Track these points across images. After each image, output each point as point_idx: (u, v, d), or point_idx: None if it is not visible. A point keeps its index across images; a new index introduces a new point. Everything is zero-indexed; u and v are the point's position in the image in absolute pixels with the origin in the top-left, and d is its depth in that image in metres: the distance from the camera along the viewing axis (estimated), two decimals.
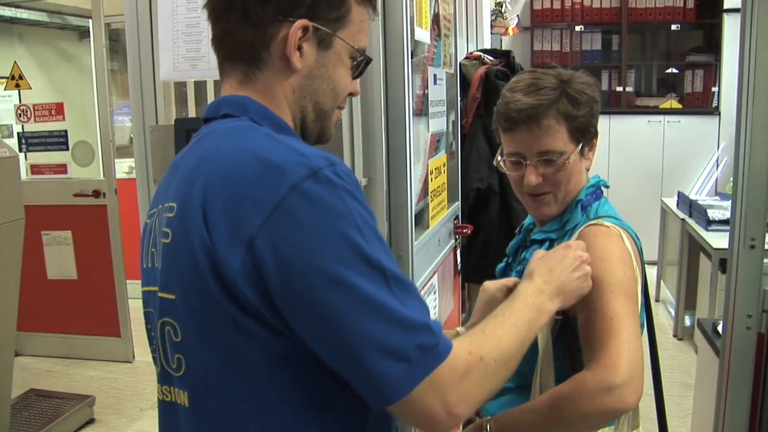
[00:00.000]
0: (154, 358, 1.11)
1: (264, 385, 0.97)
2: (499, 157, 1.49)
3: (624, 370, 1.15)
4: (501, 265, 1.63)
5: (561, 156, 1.39)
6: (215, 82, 3.33)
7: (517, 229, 1.65)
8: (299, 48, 1.04)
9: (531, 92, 1.38)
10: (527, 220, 1.61)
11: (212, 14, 1.08)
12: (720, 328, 2.45)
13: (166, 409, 1.10)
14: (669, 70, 6.88)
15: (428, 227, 2.54)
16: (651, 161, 6.70)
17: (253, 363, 0.96)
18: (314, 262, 0.89)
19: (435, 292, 2.61)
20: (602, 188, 1.52)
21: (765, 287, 2.16)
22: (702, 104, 6.66)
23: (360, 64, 1.13)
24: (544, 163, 1.40)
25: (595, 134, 1.46)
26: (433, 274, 2.58)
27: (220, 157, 0.98)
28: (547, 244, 1.46)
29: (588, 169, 1.50)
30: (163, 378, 1.09)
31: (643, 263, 1.41)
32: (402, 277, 0.95)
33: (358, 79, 1.16)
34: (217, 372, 0.98)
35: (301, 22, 1.03)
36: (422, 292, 2.39)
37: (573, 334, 1.34)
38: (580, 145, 1.42)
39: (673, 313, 5.13)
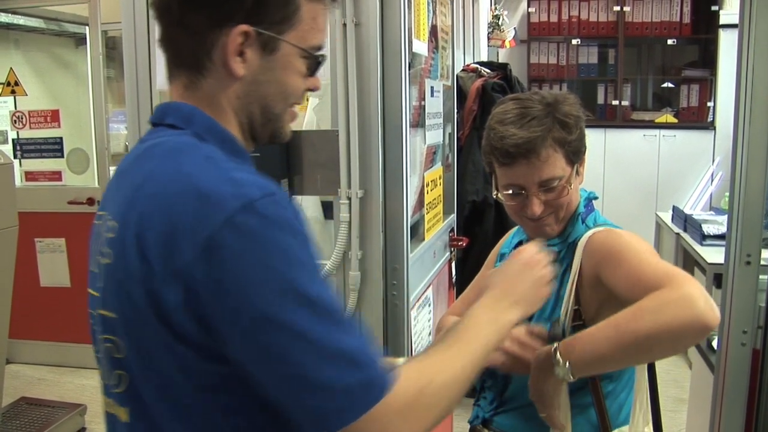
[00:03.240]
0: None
1: (197, 411, 0.95)
2: (495, 191, 1.50)
3: (698, 285, 1.17)
4: None
5: (561, 180, 1.41)
6: None
7: (513, 243, 1.64)
8: (241, 54, 1.00)
9: (524, 124, 1.38)
10: (515, 238, 1.59)
11: (156, 16, 1.04)
12: (715, 344, 2.45)
13: (110, 420, 1.09)
14: (665, 85, 6.90)
15: (424, 239, 2.53)
16: (646, 175, 6.71)
17: (187, 389, 0.95)
18: (246, 299, 0.87)
19: (429, 305, 2.60)
20: (592, 201, 1.55)
21: (760, 303, 2.15)
22: (697, 119, 6.68)
23: (313, 64, 1.07)
24: (546, 191, 1.42)
25: (585, 150, 1.47)
26: (428, 286, 2.58)
27: (160, 184, 0.95)
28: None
29: (581, 183, 1.51)
30: (106, 390, 1.09)
31: None
32: (339, 311, 0.93)
33: (318, 73, 1.10)
34: (153, 394, 0.97)
35: (240, 28, 0.98)
36: (417, 305, 2.38)
37: None
38: (575, 166, 1.44)
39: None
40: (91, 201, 4.70)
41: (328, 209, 2.37)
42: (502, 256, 1.65)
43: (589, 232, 1.43)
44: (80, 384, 4.68)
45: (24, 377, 4.75)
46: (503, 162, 1.41)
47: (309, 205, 2.45)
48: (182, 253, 0.88)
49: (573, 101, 1.46)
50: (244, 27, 0.98)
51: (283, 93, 1.06)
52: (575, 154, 1.43)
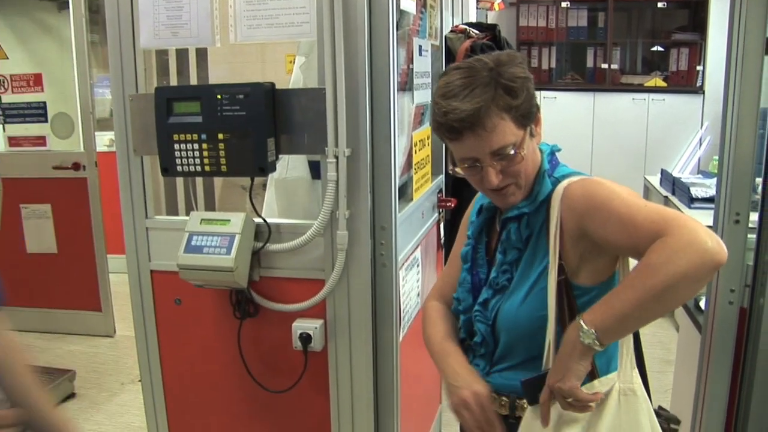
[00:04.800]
0: None
1: None
2: (452, 165, 1.47)
3: (697, 222, 1.17)
4: (466, 249, 1.60)
5: (513, 147, 1.37)
6: (197, 50, 3.29)
7: (476, 210, 1.62)
8: None
9: (467, 96, 1.34)
10: (486, 200, 1.57)
11: None
12: (702, 304, 2.46)
13: None
14: (654, 48, 6.88)
15: (412, 200, 2.52)
16: (634, 139, 6.71)
17: None
18: None
19: (418, 266, 2.59)
20: (556, 154, 1.53)
21: (748, 262, 2.16)
22: (687, 83, 6.67)
23: None
24: (500, 159, 1.38)
25: (538, 110, 1.43)
26: (416, 247, 2.57)
27: None
28: (525, 219, 1.45)
29: (539, 142, 1.48)
30: None
31: None
32: None
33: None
34: None
35: None
36: (405, 265, 2.37)
37: (574, 293, 1.37)
38: (528, 128, 1.40)
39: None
40: (76, 166, 4.65)
41: (315, 169, 2.34)
42: (472, 224, 1.62)
43: (563, 184, 1.40)
44: (69, 350, 4.67)
45: None
46: (450, 137, 1.39)
47: (296, 164, 2.43)
48: None
49: (520, 60, 1.41)
50: None
51: None
52: (525, 117, 1.38)
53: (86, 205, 4.69)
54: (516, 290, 1.44)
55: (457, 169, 1.45)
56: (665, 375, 3.97)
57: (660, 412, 1.53)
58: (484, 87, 1.34)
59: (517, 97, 1.35)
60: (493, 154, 1.36)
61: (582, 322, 1.24)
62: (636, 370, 1.40)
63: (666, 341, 4.49)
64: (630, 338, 1.40)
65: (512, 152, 1.37)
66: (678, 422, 1.54)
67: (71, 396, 4.00)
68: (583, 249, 1.36)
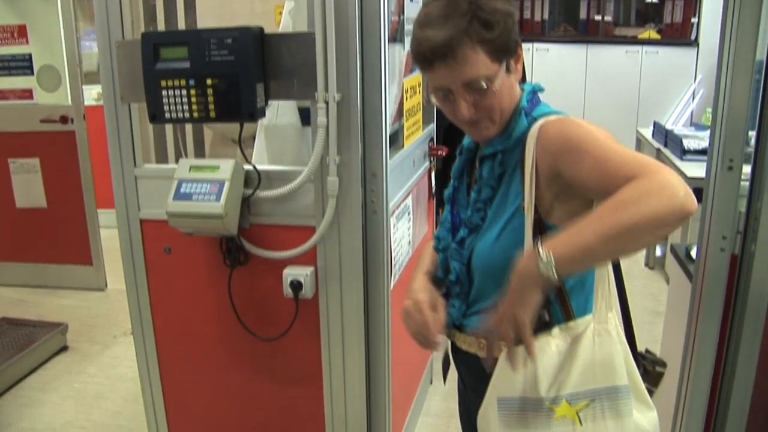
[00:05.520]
0: None
1: None
2: (426, 93, 1.46)
3: (672, 171, 1.15)
4: (448, 191, 1.59)
5: (487, 80, 1.34)
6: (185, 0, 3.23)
7: (458, 150, 1.60)
8: None
9: (440, 25, 1.31)
10: (466, 140, 1.56)
11: None
12: (693, 253, 2.46)
13: None
14: (648, 0, 6.80)
15: (403, 147, 2.50)
16: (627, 91, 6.68)
17: None
18: None
19: (409, 214, 2.58)
20: (538, 93, 1.48)
21: (741, 209, 2.15)
22: (681, 35, 6.61)
23: None
24: (472, 92, 1.35)
25: (517, 46, 1.39)
26: (407, 195, 2.55)
27: None
28: (499, 157, 1.42)
29: (518, 80, 1.43)
30: None
31: None
32: None
33: None
34: None
35: None
36: (396, 213, 2.36)
37: (548, 233, 1.33)
38: (504, 63, 1.36)
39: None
40: (64, 119, 4.60)
41: (305, 116, 2.31)
42: (451, 194, 1.61)
43: (539, 123, 1.36)
44: (61, 304, 4.67)
45: (4, 298, 4.73)
46: (423, 67, 1.37)
47: (286, 111, 2.39)
48: None
49: None
50: None
51: None
52: (502, 51, 1.34)
53: (75, 158, 4.65)
54: (489, 229, 1.42)
55: (432, 99, 1.43)
56: (655, 326, 4.00)
57: (646, 355, 1.54)
58: (460, 18, 1.30)
59: (493, 31, 1.31)
60: (465, 85, 1.34)
61: (540, 249, 1.20)
62: (612, 313, 1.39)
63: (656, 293, 4.52)
64: (605, 281, 1.39)
65: (484, 86, 1.34)
66: (664, 365, 1.54)
67: (64, 349, 4.01)
68: (558, 190, 1.34)
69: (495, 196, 1.43)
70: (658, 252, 4.98)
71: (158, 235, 2.32)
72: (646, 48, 6.59)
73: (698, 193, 2.70)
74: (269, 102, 2.10)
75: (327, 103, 2.02)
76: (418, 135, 2.75)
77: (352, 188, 2.11)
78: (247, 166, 2.15)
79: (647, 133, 5.33)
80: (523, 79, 1.48)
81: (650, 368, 1.51)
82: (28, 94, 4.73)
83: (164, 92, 2.08)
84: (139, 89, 2.15)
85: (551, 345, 1.35)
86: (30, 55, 4.68)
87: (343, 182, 2.10)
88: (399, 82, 2.49)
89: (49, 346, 3.93)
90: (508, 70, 1.37)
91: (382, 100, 2.09)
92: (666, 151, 4.69)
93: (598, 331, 1.36)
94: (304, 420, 2.41)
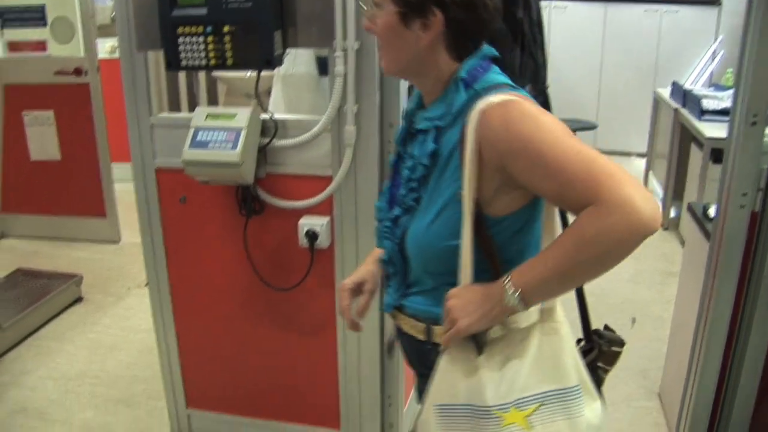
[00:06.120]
0: None
1: None
2: None
3: (633, 183, 1.09)
4: (392, 159, 1.49)
5: (377, 7, 1.30)
6: None
7: (402, 114, 1.54)
8: None
9: None
10: (408, 104, 1.47)
11: None
12: (711, 212, 2.44)
13: None
14: None
15: None
16: (646, 51, 6.58)
17: None
18: None
19: None
20: (489, 59, 1.34)
21: (763, 166, 2.12)
22: None
23: None
24: (376, 6, 1.31)
25: (430, 14, 1.26)
26: None
27: None
28: (433, 133, 1.32)
29: (429, 42, 1.28)
30: None
31: None
32: None
33: None
34: None
35: None
36: None
37: (487, 225, 1.27)
38: (401, 11, 1.27)
39: (659, 204, 5.15)
40: (78, 71, 4.57)
41: (322, 66, 2.29)
42: (395, 163, 1.51)
43: (481, 106, 1.22)
44: (74, 256, 4.70)
45: (19, 251, 4.77)
46: None
47: (303, 60, 2.37)
48: None
49: None
50: None
51: None
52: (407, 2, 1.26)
53: (89, 111, 4.64)
54: (423, 212, 1.33)
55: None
56: (667, 287, 4.00)
57: (603, 333, 1.49)
58: None
59: None
60: None
61: (506, 286, 1.19)
62: (560, 307, 1.33)
63: (669, 253, 4.50)
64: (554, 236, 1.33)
65: (372, 6, 1.31)
66: (621, 344, 1.48)
67: (78, 300, 4.04)
68: (500, 182, 1.25)
69: (430, 176, 1.33)
70: (673, 213, 4.95)
71: (173, 184, 2.32)
72: (665, 7, 6.47)
73: (719, 153, 2.65)
74: (287, 50, 2.08)
75: (345, 51, 1.99)
76: None
77: (369, 138, 2.09)
78: (264, 115, 2.14)
79: (665, 93, 5.27)
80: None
81: (606, 348, 1.46)
82: (41, 46, 4.70)
83: (181, 39, 2.06)
84: (155, 37, 2.13)
85: (496, 348, 1.29)
86: (43, 6, 4.63)
87: (360, 132, 2.08)
88: None
89: (64, 297, 3.96)
90: (405, 22, 1.27)
91: None
92: (684, 111, 4.63)
93: (545, 330, 1.30)
94: (318, 369, 2.43)
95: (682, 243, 4.51)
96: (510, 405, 1.26)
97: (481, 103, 1.22)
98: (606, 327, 1.51)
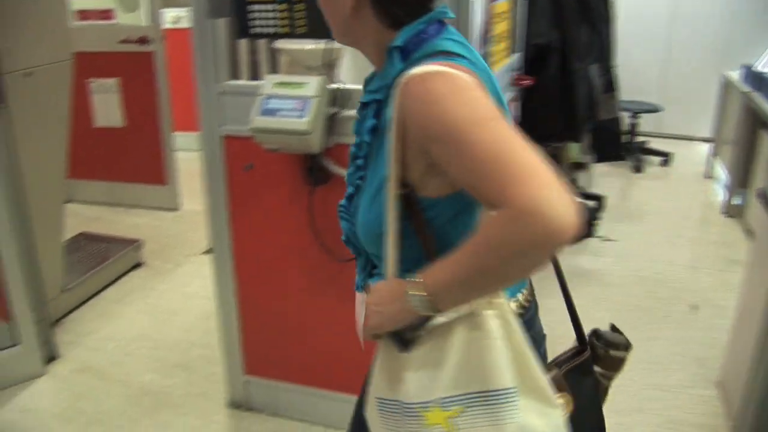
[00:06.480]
0: None
1: None
2: None
3: (545, 185, 0.95)
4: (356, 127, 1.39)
5: None
6: None
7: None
8: None
9: None
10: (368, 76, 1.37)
11: None
12: None
13: None
14: None
15: None
16: (715, 33, 6.39)
17: None
18: None
19: None
20: (440, 22, 1.22)
21: None
22: None
23: None
24: None
25: None
26: None
27: None
28: (374, 107, 1.23)
29: (352, 12, 1.20)
30: None
31: (498, 101, 1.18)
32: None
33: None
34: None
35: None
36: None
37: (421, 207, 1.17)
38: None
39: (724, 191, 5.03)
40: (142, 40, 4.63)
41: None
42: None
43: (404, 79, 1.10)
44: (134, 222, 4.79)
45: (81, 215, 4.87)
46: None
47: None
48: None
49: None
50: None
51: None
52: None
53: (152, 79, 4.70)
54: (365, 192, 1.25)
55: None
56: (728, 274, 3.91)
57: (602, 334, 1.36)
58: None
59: None
60: None
61: (408, 289, 1.10)
62: (502, 301, 1.15)
63: (731, 241, 4.39)
64: None
65: None
66: (626, 348, 1.35)
67: (138, 265, 4.13)
68: (427, 164, 1.13)
69: (372, 153, 1.24)
70: (738, 200, 4.82)
71: (240, 152, 2.33)
72: None
73: None
74: None
75: None
76: (506, 62, 2.68)
77: None
78: (333, 85, 2.13)
79: (735, 76, 5.12)
80: None
81: (601, 352, 1.34)
82: (108, 14, 4.77)
83: (252, 7, 2.06)
84: (226, 4, 2.14)
85: (422, 343, 1.18)
86: None
87: None
88: (485, 7, 2.41)
89: (125, 262, 4.05)
90: None
91: (469, 23, 2.03)
92: (756, 95, 4.49)
93: (472, 325, 1.14)
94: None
95: (746, 231, 4.40)
96: (431, 404, 1.15)
97: (405, 76, 1.10)
98: (613, 327, 1.38)
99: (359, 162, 1.26)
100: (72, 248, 3.99)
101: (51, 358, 3.15)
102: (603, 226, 4.51)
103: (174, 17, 5.51)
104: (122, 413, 2.79)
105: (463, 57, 1.15)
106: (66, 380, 3.03)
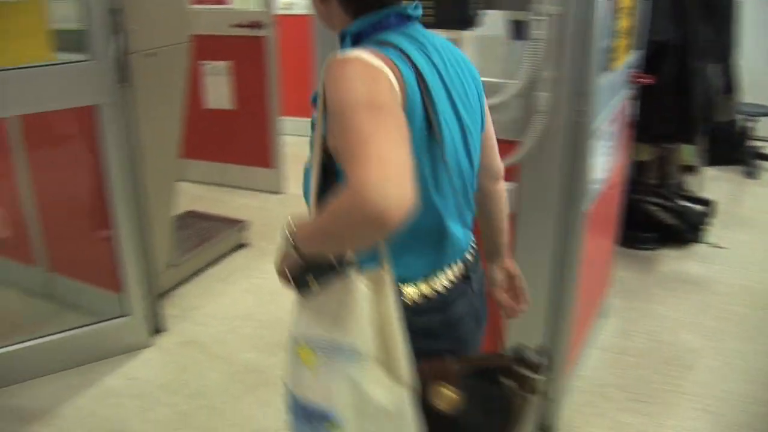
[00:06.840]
0: None
1: None
2: None
3: (379, 169, 1.02)
4: None
5: None
6: None
7: None
8: None
9: None
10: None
11: None
12: None
13: None
14: None
15: (610, 69, 2.37)
16: None
17: None
18: None
19: (609, 138, 2.47)
20: (406, 17, 1.34)
21: None
22: None
23: None
24: None
25: None
26: (609, 119, 2.44)
27: None
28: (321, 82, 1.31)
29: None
30: None
31: (425, 91, 1.24)
32: None
33: None
34: None
35: None
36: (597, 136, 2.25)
37: (333, 171, 1.26)
38: None
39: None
40: (254, 24, 4.71)
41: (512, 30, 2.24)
42: None
43: (331, 58, 1.21)
44: (240, 203, 4.90)
45: (188, 194, 4.99)
46: None
47: (494, 23, 2.32)
48: None
49: None
50: None
51: None
52: None
53: (263, 64, 4.78)
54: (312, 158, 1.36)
55: None
56: None
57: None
58: None
59: None
60: None
61: (286, 232, 1.23)
62: (385, 270, 1.25)
63: None
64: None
65: None
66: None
67: (242, 245, 4.22)
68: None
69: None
70: None
71: None
72: None
73: None
74: (483, 11, 2.04)
75: (545, 16, 1.94)
76: (627, 59, 2.60)
77: (560, 106, 2.03)
78: None
79: None
80: None
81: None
82: None
83: None
84: None
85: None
86: None
87: (551, 99, 2.02)
88: (610, 1, 2.35)
89: (230, 241, 4.15)
90: None
91: (595, 18, 1.98)
92: None
93: (347, 285, 1.23)
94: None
95: None
96: (300, 339, 1.28)
97: (333, 56, 1.21)
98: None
99: (311, 137, 1.35)
100: (179, 225, 4.10)
101: (157, 330, 3.26)
102: (713, 233, 4.34)
103: (286, 3, 5.59)
104: (225, 390, 2.86)
105: (396, 48, 1.24)
106: (171, 352, 3.13)
